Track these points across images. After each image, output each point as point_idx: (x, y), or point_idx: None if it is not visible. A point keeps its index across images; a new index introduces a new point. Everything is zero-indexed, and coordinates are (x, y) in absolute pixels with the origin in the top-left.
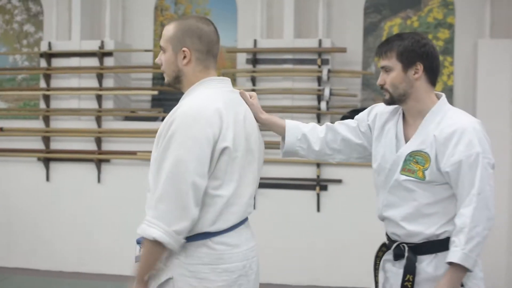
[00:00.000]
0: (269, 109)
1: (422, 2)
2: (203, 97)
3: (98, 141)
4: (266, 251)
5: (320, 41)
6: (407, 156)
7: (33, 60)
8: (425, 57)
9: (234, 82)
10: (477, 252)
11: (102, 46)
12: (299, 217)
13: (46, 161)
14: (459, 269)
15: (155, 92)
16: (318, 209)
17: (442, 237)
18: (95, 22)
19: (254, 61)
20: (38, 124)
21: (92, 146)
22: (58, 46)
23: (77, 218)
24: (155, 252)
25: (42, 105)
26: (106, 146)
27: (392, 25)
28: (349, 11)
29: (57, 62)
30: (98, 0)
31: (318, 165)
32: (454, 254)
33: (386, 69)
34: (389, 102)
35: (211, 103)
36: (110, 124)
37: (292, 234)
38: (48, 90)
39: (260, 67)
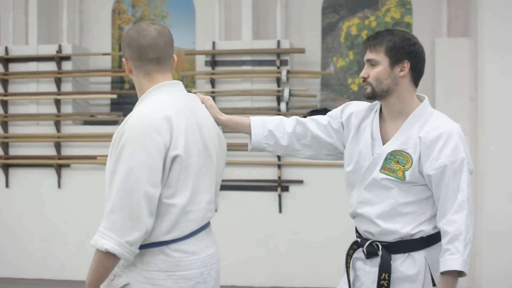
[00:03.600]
0: (229, 111)
1: (380, 2)
2: (153, 105)
3: (58, 146)
4: (229, 253)
5: (278, 42)
6: (388, 155)
7: None
8: (413, 56)
9: (193, 85)
10: (469, 256)
11: (59, 50)
12: (261, 218)
13: (5, 167)
14: (456, 275)
15: (114, 96)
16: (280, 210)
17: (417, 236)
18: (52, 26)
19: (213, 63)
20: None
21: (51, 151)
22: (15, 51)
23: (38, 224)
24: (107, 263)
25: (0, 110)
26: (65, 151)
27: (350, 25)
28: (307, 12)
29: (14, 67)
30: (55, 3)
31: (279, 166)
32: (455, 262)
33: (372, 63)
34: (370, 96)
35: (161, 111)
36: (69, 128)
37: (254, 236)
38: (5, 95)
39: (219, 69)
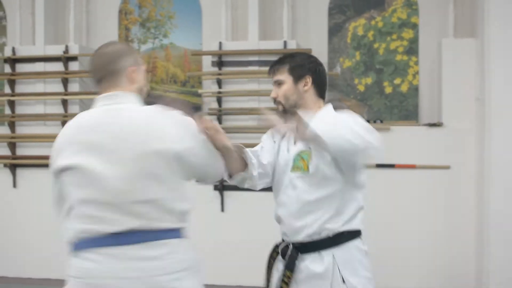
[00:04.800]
0: (235, 112)
1: (386, 2)
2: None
3: None
4: None
5: (285, 43)
6: (295, 156)
7: None
8: (313, 71)
9: (200, 85)
10: (328, 135)
11: (66, 50)
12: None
13: (13, 168)
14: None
15: None
16: (222, 209)
17: (324, 235)
18: (59, 27)
19: (220, 63)
20: (4, 130)
21: None
22: (22, 51)
23: (45, 224)
24: None
25: (7, 111)
26: None
27: (357, 26)
28: (313, 12)
29: (21, 67)
30: (62, 4)
31: None
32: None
33: (279, 83)
34: (282, 113)
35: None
36: None
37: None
38: (13, 95)
39: (226, 69)
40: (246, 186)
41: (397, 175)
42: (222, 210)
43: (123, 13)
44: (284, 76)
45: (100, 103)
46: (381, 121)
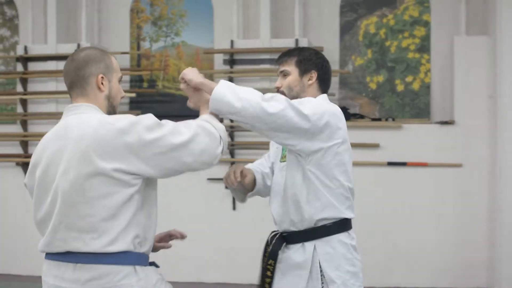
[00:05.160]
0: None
1: (398, 0)
2: None
3: None
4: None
5: (296, 41)
6: (283, 146)
7: (9, 65)
8: (319, 67)
9: None
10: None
11: (78, 49)
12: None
13: (25, 166)
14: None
15: (133, 95)
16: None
17: (306, 224)
18: (71, 25)
19: (231, 61)
20: (16, 128)
21: None
22: (34, 50)
23: None
24: None
25: (20, 109)
26: None
27: (368, 24)
28: (325, 10)
29: (33, 66)
30: (74, 3)
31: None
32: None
33: (285, 73)
34: None
35: None
36: None
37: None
38: (25, 94)
39: (238, 67)
40: (264, 196)
41: (409, 173)
42: (234, 208)
43: (134, 11)
44: (291, 67)
45: (64, 114)
46: (393, 119)
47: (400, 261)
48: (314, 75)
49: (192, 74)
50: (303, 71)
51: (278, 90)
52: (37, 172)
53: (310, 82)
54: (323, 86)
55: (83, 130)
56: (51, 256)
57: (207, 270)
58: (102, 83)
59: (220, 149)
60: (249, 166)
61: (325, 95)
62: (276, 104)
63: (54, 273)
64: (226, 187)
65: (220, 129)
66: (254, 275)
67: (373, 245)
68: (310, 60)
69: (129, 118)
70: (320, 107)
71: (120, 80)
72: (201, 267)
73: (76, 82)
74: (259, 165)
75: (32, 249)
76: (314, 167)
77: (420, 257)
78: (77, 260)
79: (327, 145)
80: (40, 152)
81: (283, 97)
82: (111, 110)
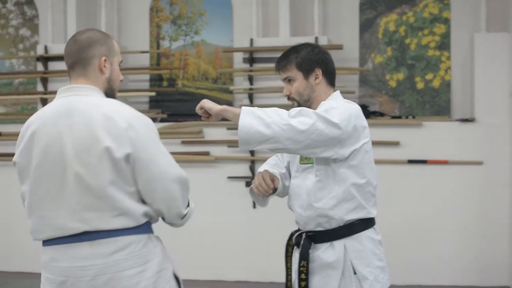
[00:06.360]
0: (267, 108)
1: None
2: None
3: None
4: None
5: (316, 39)
6: None
7: (29, 64)
8: (321, 62)
9: (231, 82)
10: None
11: None
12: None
13: None
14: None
15: (153, 94)
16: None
17: (334, 224)
18: (90, 25)
19: (251, 60)
20: None
21: None
22: (54, 49)
23: None
24: None
25: (40, 108)
26: None
27: (388, 21)
28: (344, 8)
29: (53, 66)
30: (93, 2)
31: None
32: (243, 109)
33: (289, 79)
34: None
35: (26, 121)
36: None
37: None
38: (45, 93)
39: (257, 66)
40: (282, 197)
41: (430, 171)
42: (254, 206)
43: (154, 10)
44: (293, 72)
45: (63, 94)
46: (413, 117)
47: (421, 258)
48: (318, 72)
49: (210, 103)
50: (307, 73)
51: (288, 97)
52: (34, 150)
53: (317, 80)
54: (331, 79)
55: (95, 113)
56: (60, 240)
57: (227, 268)
58: (104, 66)
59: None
60: (265, 167)
61: (338, 92)
62: (305, 119)
63: (69, 255)
64: (247, 186)
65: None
66: (274, 273)
67: (393, 243)
68: (309, 59)
69: (137, 114)
70: (346, 111)
71: (120, 64)
72: (222, 265)
73: (79, 63)
74: (275, 166)
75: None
76: (345, 168)
77: (441, 255)
78: (95, 237)
79: (358, 146)
80: (36, 128)
81: (309, 110)
82: (110, 92)
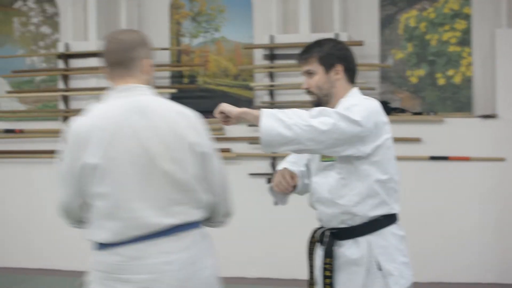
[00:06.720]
0: (287, 105)
1: None
2: (86, 115)
3: None
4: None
5: (336, 35)
6: None
7: (50, 62)
8: (343, 58)
9: (251, 79)
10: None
11: None
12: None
13: None
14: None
15: (174, 90)
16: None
17: (357, 221)
18: (111, 22)
19: (271, 56)
20: (58, 125)
21: None
22: (75, 47)
23: None
24: None
25: (61, 106)
26: None
27: (409, 17)
28: (364, 4)
29: (74, 63)
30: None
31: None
32: (264, 111)
33: (310, 73)
34: (317, 103)
35: (82, 121)
36: None
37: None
38: (66, 91)
39: (278, 62)
40: (301, 195)
41: (451, 167)
42: (275, 203)
43: (174, 7)
44: (315, 66)
45: (124, 93)
46: (435, 113)
47: (443, 256)
48: (340, 68)
49: (229, 106)
50: (328, 67)
51: (308, 91)
52: (110, 151)
53: (338, 76)
54: (351, 76)
55: (169, 111)
56: (146, 237)
57: (249, 265)
58: (147, 68)
59: None
60: (284, 165)
61: (357, 89)
62: (326, 119)
63: (158, 250)
64: (268, 183)
65: None
66: (296, 270)
67: (415, 240)
68: (332, 54)
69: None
70: (366, 108)
71: None
72: (243, 262)
73: (123, 63)
74: (294, 164)
75: (52, 242)
76: (368, 164)
77: (464, 252)
78: (181, 230)
79: (379, 142)
80: (106, 128)
81: (330, 109)
82: None
